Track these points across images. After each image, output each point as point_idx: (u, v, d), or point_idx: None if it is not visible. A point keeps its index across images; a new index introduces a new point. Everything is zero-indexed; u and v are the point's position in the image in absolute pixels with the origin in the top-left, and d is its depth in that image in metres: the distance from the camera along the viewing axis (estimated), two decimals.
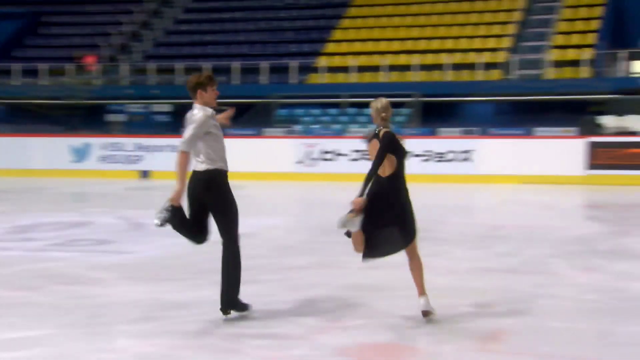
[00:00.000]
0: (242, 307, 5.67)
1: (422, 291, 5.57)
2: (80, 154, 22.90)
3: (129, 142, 22.63)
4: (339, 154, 20.69)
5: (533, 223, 11.75)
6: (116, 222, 11.68)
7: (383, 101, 5.71)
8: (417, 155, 19.80)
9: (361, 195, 5.45)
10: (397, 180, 5.59)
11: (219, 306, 5.59)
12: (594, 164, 18.93)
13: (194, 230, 5.56)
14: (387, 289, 6.65)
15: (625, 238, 9.99)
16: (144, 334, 5.26)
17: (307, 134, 22.67)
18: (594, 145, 19.04)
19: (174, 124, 25.29)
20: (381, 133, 5.62)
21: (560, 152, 19.22)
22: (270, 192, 18.19)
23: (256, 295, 6.02)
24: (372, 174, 5.51)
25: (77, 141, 23.16)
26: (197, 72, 6.00)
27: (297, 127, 23.53)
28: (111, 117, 26.59)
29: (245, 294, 5.88)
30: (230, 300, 5.58)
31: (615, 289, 6.68)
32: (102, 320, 5.64)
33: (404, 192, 5.60)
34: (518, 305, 6.03)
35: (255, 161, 20.44)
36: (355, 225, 5.47)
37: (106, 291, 6.67)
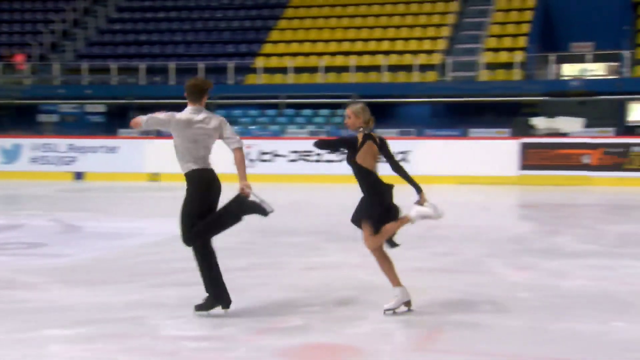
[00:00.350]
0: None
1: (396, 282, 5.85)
2: (11, 155, 22.27)
3: (61, 142, 22.09)
4: (277, 155, 20.66)
5: (469, 223, 11.94)
6: (49, 225, 11.40)
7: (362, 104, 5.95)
8: None
9: (419, 190, 5.84)
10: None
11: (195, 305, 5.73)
12: (526, 165, 19.38)
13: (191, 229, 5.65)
14: (326, 290, 6.66)
15: (556, 237, 10.25)
16: (79, 339, 5.15)
17: (245, 134, 22.56)
18: (526, 146, 19.50)
19: (107, 125, 24.87)
20: (376, 136, 5.85)
21: (495, 153, 19.60)
22: None
23: (195, 297, 5.95)
24: (407, 172, 5.86)
25: (7, 142, 22.50)
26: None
27: (235, 128, 23.35)
28: (43, 118, 25.94)
29: (185, 296, 5.83)
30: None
31: (549, 286, 6.85)
32: (35, 325, 5.48)
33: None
34: (455, 304, 6.12)
35: None
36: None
37: (39, 296, 6.51)
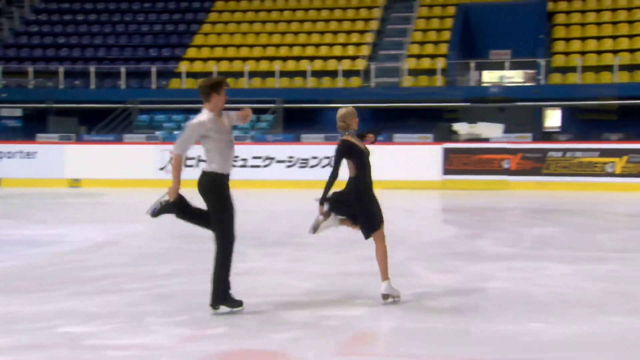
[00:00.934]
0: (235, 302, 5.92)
1: (384, 277, 6.22)
2: None
3: None
4: (202, 161, 20.39)
5: (394, 227, 11.97)
6: None
7: None
8: (280, 162, 19.92)
9: (322, 201, 6.10)
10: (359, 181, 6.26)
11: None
12: (448, 169, 19.75)
13: (201, 221, 6.13)
14: (251, 296, 6.59)
15: (479, 240, 10.44)
16: None
17: (169, 140, 22.23)
18: (449, 151, 19.87)
19: (25, 129, 24.12)
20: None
21: (418, 158, 19.90)
22: (131, 199, 17.66)
23: (120, 304, 5.83)
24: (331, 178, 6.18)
25: None
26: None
27: (159, 133, 23.03)
28: None
29: (108, 304, 5.69)
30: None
31: (472, 289, 6.97)
32: None
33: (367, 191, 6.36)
34: (380, 308, 6.17)
35: (115, 168, 19.78)
36: (333, 224, 6.24)
37: None
